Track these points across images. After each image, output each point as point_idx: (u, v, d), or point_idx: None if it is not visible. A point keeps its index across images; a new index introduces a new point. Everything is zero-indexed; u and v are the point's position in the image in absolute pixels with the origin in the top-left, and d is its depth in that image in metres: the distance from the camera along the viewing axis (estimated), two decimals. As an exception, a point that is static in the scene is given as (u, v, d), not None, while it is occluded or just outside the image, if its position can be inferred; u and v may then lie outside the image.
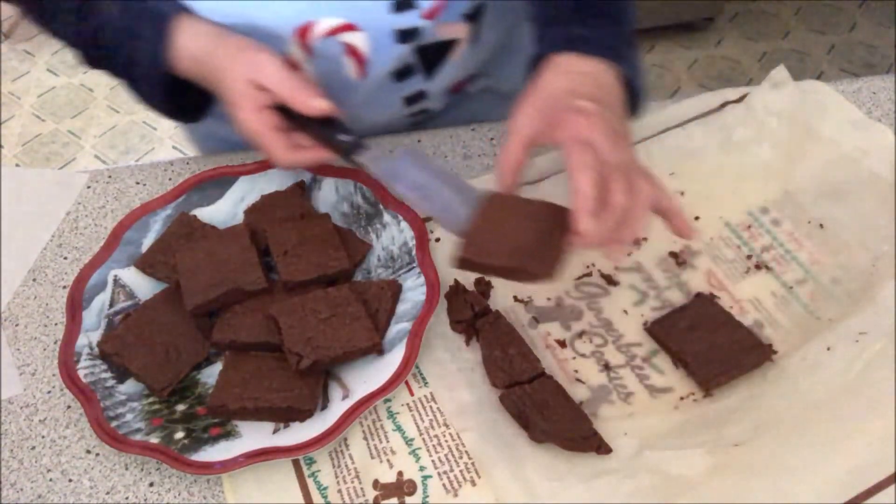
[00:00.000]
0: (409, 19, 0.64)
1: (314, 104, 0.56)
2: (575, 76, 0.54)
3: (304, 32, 0.63)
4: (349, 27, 0.63)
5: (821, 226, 0.65)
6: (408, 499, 0.51)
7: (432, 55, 0.70)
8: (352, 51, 0.65)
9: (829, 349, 0.55)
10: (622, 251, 0.50)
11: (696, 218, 0.67)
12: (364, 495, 0.52)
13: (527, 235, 0.50)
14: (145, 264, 0.63)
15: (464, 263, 0.51)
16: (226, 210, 0.68)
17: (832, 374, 0.53)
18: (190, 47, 0.58)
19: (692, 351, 0.56)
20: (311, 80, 0.59)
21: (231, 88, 0.57)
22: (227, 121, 0.60)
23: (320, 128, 0.58)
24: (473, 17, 0.69)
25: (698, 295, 0.61)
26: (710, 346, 0.56)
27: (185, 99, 0.63)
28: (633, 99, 0.57)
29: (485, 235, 0.51)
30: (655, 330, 0.59)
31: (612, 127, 0.51)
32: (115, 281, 0.63)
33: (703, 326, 0.57)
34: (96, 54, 0.63)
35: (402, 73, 0.70)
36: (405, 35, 0.65)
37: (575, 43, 0.55)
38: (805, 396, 0.53)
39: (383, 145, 0.74)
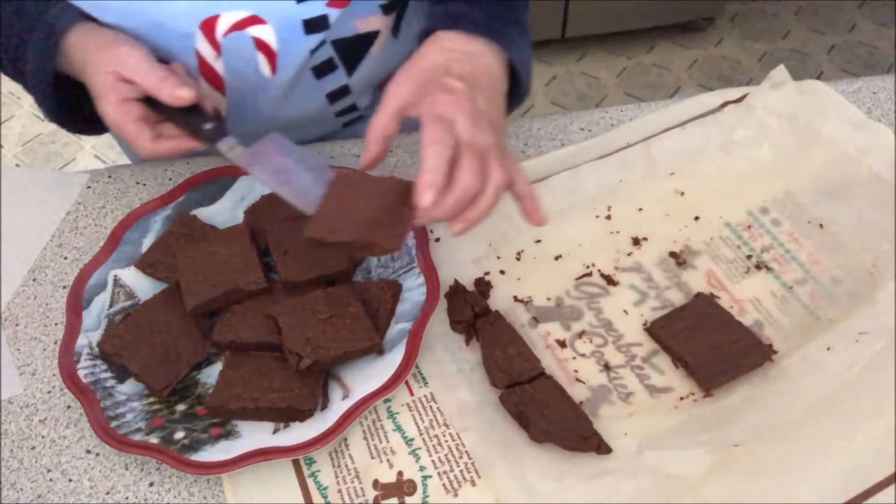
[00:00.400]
0: (314, 8, 0.63)
1: (177, 93, 0.56)
2: (454, 53, 0.54)
3: (209, 27, 0.62)
4: (255, 20, 0.62)
5: (821, 226, 0.65)
6: (408, 499, 0.51)
7: (351, 49, 0.69)
8: (261, 45, 0.64)
9: (829, 349, 0.55)
10: (465, 229, 0.51)
11: (696, 218, 0.67)
12: (364, 495, 0.52)
13: (371, 211, 0.52)
14: (145, 264, 0.63)
15: (312, 241, 0.52)
16: (226, 210, 0.68)
17: (832, 374, 0.53)
18: (70, 45, 0.58)
19: (692, 351, 0.56)
20: (179, 71, 0.59)
21: (96, 81, 0.57)
22: None
23: (186, 117, 0.58)
24: (391, 7, 0.68)
25: (698, 295, 0.61)
26: (710, 346, 0.56)
27: (83, 111, 0.63)
28: (516, 87, 0.58)
29: (332, 213, 0.52)
30: (655, 330, 0.59)
31: (478, 108, 0.51)
32: (115, 281, 0.63)
33: (703, 326, 0.57)
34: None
35: (322, 69, 0.69)
36: (312, 25, 0.64)
37: (461, 20, 0.56)
38: (805, 396, 0.53)
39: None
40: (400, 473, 0.53)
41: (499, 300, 0.62)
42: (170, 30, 0.62)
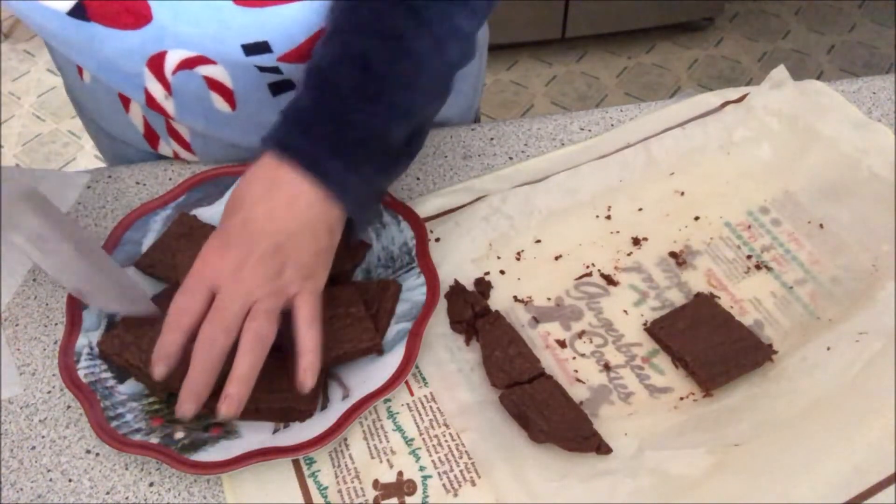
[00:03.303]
0: (265, 60, 0.59)
1: None
2: (254, 184, 0.49)
3: (157, 65, 0.59)
4: (203, 59, 0.59)
5: (821, 226, 0.65)
6: (408, 499, 0.51)
7: (296, 61, 0.64)
8: (214, 84, 0.61)
9: (829, 349, 0.55)
10: (232, 407, 0.47)
11: (696, 218, 0.67)
12: (364, 495, 0.52)
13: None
14: (145, 264, 0.63)
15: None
16: (226, 210, 0.68)
17: (832, 374, 0.53)
18: None
19: (692, 351, 0.56)
20: None
21: None
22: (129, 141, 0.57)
23: None
24: None
25: (698, 295, 0.61)
26: (711, 346, 0.56)
27: None
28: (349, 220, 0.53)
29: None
30: (655, 330, 0.59)
31: (248, 262, 0.47)
32: (115, 281, 0.63)
33: (703, 326, 0.57)
34: None
35: (277, 87, 0.64)
36: (266, 69, 0.60)
37: (275, 143, 0.50)
38: (805, 396, 0.53)
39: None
40: (400, 473, 0.53)
41: (499, 300, 0.62)
42: (118, 68, 0.60)
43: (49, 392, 0.59)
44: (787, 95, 0.71)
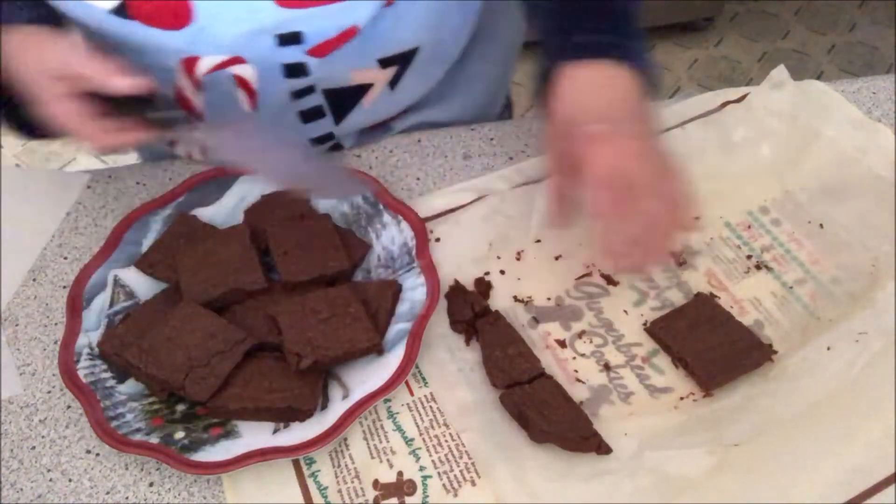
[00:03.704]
0: (294, 54, 0.61)
1: (122, 82, 0.53)
2: (582, 91, 0.54)
3: (189, 66, 0.61)
4: (237, 60, 0.61)
5: (821, 226, 0.65)
6: (408, 499, 0.51)
7: (342, 99, 0.68)
8: (241, 82, 0.63)
9: (829, 349, 0.55)
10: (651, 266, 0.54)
11: (696, 218, 0.67)
12: (364, 495, 0.52)
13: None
14: (145, 264, 0.63)
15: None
16: (226, 210, 0.68)
17: (832, 374, 0.53)
18: (4, 50, 0.55)
19: (692, 351, 0.56)
20: (118, 62, 0.55)
21: (30, 82, 0.54)
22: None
23: (137, 107, 0.55)
24: (392, 62, 0.66)
25: (698, 295, 0.61)
26: (711, 346, 0.56)
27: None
28: (649, 84, 0.57)
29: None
30: (655, 330, 0.59)
31: (628, 142, 0.51)
32: (115, 281, 0.63)
33: (703, 326, 0.57)
34: None
35: (309, 115, 0.68)
36: (291, 70, 0.63)
37: (577, 51, 0.55)
38: (805, 396, 0.53)
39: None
40: (400, 473, 0.53)
41: (499, 300, 0.62)
42: (151, 57, 0.61)
43: (49, 392, 0.59)
44: (787, 95, 0.71)
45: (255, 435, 0.54)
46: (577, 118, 0.53)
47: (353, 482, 0.52)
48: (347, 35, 0.61)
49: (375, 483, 0.52)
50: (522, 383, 0.55)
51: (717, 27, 2.37)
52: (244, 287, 0.59)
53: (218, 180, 0.69)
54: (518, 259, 0.65)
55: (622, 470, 0.51)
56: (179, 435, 0.54)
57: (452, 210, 0.68)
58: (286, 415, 0.54)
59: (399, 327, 0.58)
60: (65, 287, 0.65)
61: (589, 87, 0.54)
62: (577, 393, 0.56)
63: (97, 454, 0.56)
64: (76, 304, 0.60)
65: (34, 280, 0.66)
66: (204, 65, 0.61)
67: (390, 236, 0.64)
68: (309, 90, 0.66)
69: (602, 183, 0.51)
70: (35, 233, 0.70)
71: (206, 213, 0.67)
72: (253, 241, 0.62)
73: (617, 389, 0.57)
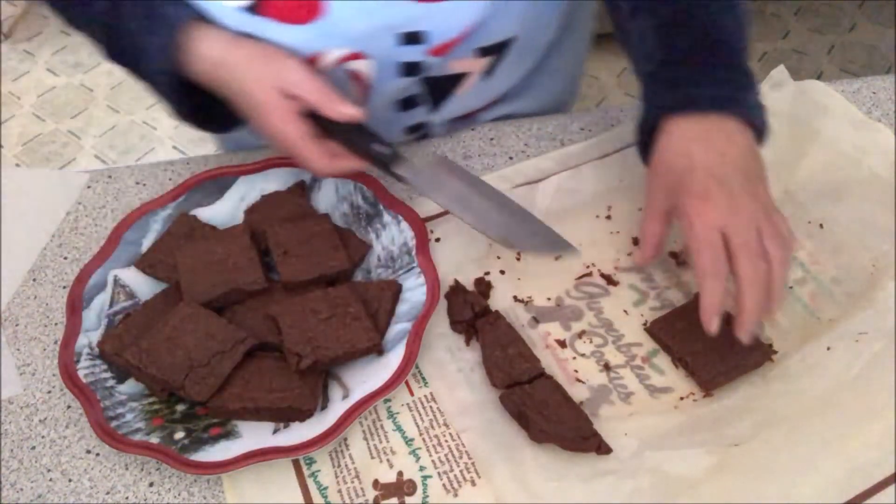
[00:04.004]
0: (414, 53, 0.63)
1: (345, 110, 0.56)
2: (690, 144, 0.54)
3: (312, 61, 0.62)
4: (357, 56, 0.62)
5: (821, 226, 0.65)
6: (408, 499, 0.51)
7: (439, 87, 0.69)
8: (356, 76, 0.64)
9: (828, 349, 0.55)
10: (768, 316, 0.54)
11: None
12: (364, 495, 0.52)
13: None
14: (145, 264, 0.63)
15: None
16: (226, 210, 0.68)
17: (832, 374, 0.53)
18: (206, 54, 0.57)
19: (692, 351, 0.56)
20: (336, 88, 0.58)
21: (256, 97, 0.56)
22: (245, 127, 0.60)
23: (350, 135, 0.58)
24: (490, 51, 0.67)
25: (698, 294, 0.61)
26: (710, 347, 0.56)
27: (210, 109, 0.62)
28: (760, 135, 0.57)
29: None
30: (655, 330, 0.59)
31: (734, 197, 0.52)
32: (115, 281, 0.63)
33: (702, 326, 0.57)
34: (115, 52, 0.61)
35: (406, 104, 0.69)
36: (410, 68, 0.64)
37: (688, 105, 0.55)
38: (805, 396, 0.53)
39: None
40: (400, 473, 0.53)
41: (499, 300, 0.62)
42: None
43: (49, 392, 0.59)
44: (787, 95, 0.71)
45: (255, 435, 0.54)
46: (684, 171, 0.53)
47: (353, 482, 0.52)
48: (468, 33, 0.62)
49: (375, 483, 0.52)
50: (522, 383, 0.55)
51: (717, 27, 2.37)
52: (244, 287, 0.59)
53: (218, 180, 0.69)
54: (518, 259, 0.65)
55: (622, 470, 0.51)
56: (179, 435, 0.54)
57: (452, 210, 0.68)
58: (286, 415, 0.54)
59: (399, 327, 0.58)
60: (65, 287, 0.65)
61: (700, 141, 0.54)
62: (577, 393, 0.56)
63: (97, 454, 0.56)
64: (76, 304, 0.60)
65: (34, 280, 0.66)
66: (327, 59, 0.62)
67: (390, 236, 0.64)
68: (412, 102, 0.68)
69: (706, 244, 0.52)
70: (35, 233, 0.70)
71: (206, 213, 0.67)
72: (253, 241, 0.62)
73: (617, 389, 0.57)
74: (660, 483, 0.50)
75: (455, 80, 0.69)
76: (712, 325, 0.52)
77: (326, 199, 0.68)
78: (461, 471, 0.52)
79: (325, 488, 0.52)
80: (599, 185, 0.69)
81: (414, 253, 0.62)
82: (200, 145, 2.04)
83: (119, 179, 0.74)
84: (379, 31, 0.60)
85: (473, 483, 0.52)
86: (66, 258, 0.68)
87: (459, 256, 0.64)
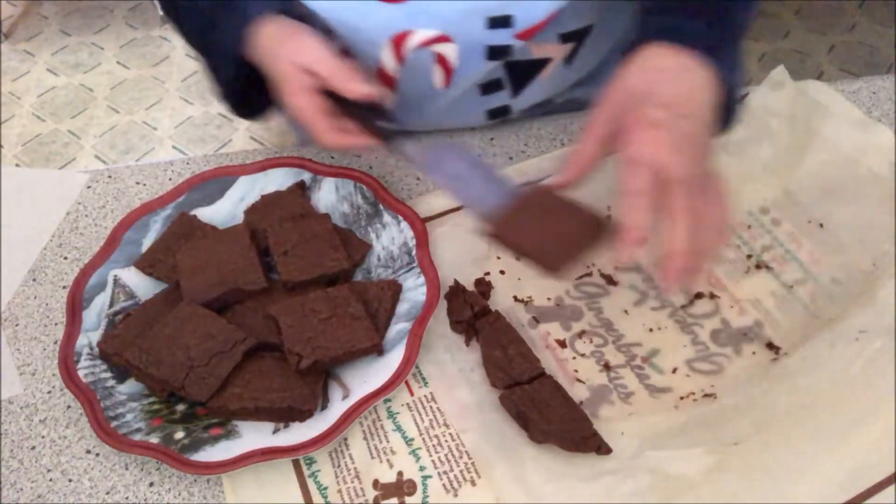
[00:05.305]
0: (501, 37, 0.64)
1: (358, 88, 0.57)
2: (659, 73, 0.51)
3: (399, 41, 0.63)
4: (443, 38, 0.64)
5: (821, 226, 0.65)
6: (408, 499, 0.51)
7: (521, 72, 0.70)
8: (441, 60, 0.65)
9: (829, 348, 0.55)
10: (697, 268, 0.48)
11: (696, 218, 0.67)
12: (364, 495, 0.52)
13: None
14: (145, 264, 0.63)
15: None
16: (226, 210, 0.68)
17: (832, 373, 0.53)
18: (258, 39, 0.60)
19: (532, 242, 0.53)
20: (357, 68, 0.60)
21: (279, 70, 0.59)
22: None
23: (363, 113, 0.59)
24: (572, 37, 0.68)
25: (536, 187, 0.57)
26: (553, 234, 0.53)
27: (256, 95, 0.65)
28: (729, 104, 0.54)
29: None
30: (497, 233, 0.55)
31: (684, 138, 0.48)
32: (115, 281, 0.63)
33: (544, 218, 0.54)
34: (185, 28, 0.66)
35: (488, 87, 0.70)
36: (495, 52, 0.65)
37: (670, 33, 0.53)
38: (805, 395, 0.53)
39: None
40: (400, 473, 0.53)
41: (499, 300, 0.62)
42: (362, 34, 0.64)
43: (49, 392, 0.59)
44: (787, 95, 0.71)
45: (255, 435, 0.54)
46: (642, 96, 0.50)
47: (353, 482, 0.52)
48: (553, 17, 0.63)
49: (375, 483, 0.52)
50: (522, 383, 0.55)
51: (717, 27, 2.37)
52: (244, 287, 0.59)
53: (218, 180, 0.69)
54: (518, 259, 0.64)
55: (622, 470, 0.51)
56: (179, 435, 0.54)
57: (452, 210, 0.68)
58: (286, 415, 0.54)
59: (399, 327, 0.58)
60: (65, 287, 0.65)
61: (669, 71, 0.51)
62: (577, 393, 0.56)
63: (97, 454, 0.56)
64: (76, 304, 0.60)
65: (34, 280, 0.66)
66: (414, 40, 0.63)
67: (390, 236, 0.64)
68: (496, 86, 0.68)
69: (642, 166, 0.48)
70: (35, 233, 0.70)
71: (206, 213, 0.67)
72: (253, 241, 0.62)
73: (617, 389, 0.57)
74: (660, 483, 0.50)
75: (538, 65, 0.70)
76: (624, 254, 0.47)
77: (326, 199, 0.68)
78: (461, 471, 0.52)
79: (325, 488, 0.52)
80: (599, 185, 0.69)
81: (414, 253, 0.62)
82: (200, 145, 2.04)
83: (119, 179, 0.74)
84: (468, 13, 0.62)
85: (473, 483, 0.52)
86: (66, 258, 0.68)
87: (459, 256, 0.64)
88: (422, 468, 0.53)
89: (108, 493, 0.54)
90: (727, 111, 0.54)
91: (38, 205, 0.72)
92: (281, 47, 0.59)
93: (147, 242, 0.65)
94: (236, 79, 0.63)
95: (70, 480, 0.54)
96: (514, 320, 0.60)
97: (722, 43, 0.54)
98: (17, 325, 0.63)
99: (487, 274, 0.63)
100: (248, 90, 0.65)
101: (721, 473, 0.49)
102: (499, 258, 0.64)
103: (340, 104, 0.59)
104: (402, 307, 0.59)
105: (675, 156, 0.48)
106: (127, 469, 0.55)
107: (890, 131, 0.69)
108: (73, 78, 2.28)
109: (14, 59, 2.35)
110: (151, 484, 0.54)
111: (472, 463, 0.53)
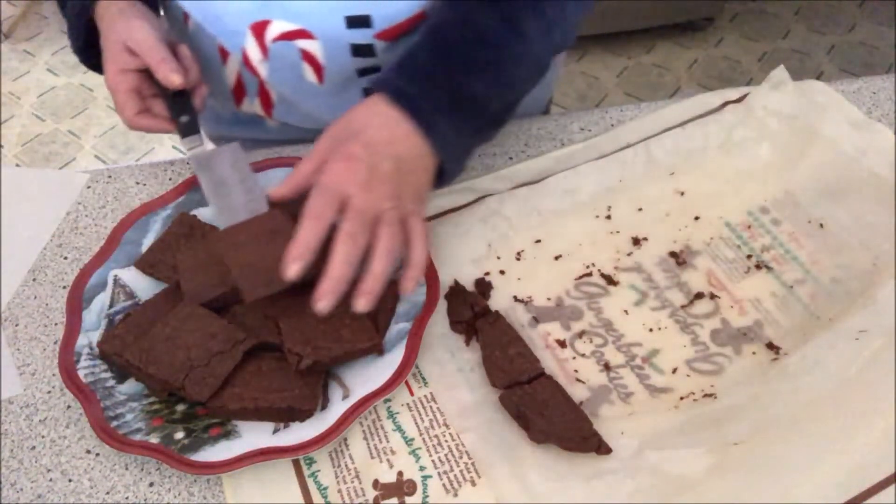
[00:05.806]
0: (362, 36, 0.64)
1: (170, 77, 0.60)
2: (372, 117, 0.54)
3: (259, 31, 0.64)
4: (304, 34, 0.65)
5: (821, 226, 0.65)
6: (408, 499, 0.51)
7: (392, 39, 0.69)
8: (308, 57, 0.66)
9: (829, 348, 0.55)
10: (366, 302, 0.51)
11: (696, 218, 0.67)
12: (364, 495, 0.52)
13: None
14: (145, 264, 0.63)
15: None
16: (226, 210, 0.68)
17: (832, 373, 0.53)
18: (99, 11, 0.63)
19: (239, 262, 0.55)
20: (183, 55, 0.63)
21: (105, 47, 0.62)
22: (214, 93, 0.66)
23: (172, 101, 0.62)
24: None
25: (272, 206, 0.59)
26: (262, 260, 0.54)
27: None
28: (442, 166, 0.56)
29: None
30: (221, 238, 0.57)
31: (376, 176, 0.51)
32: (115, 281, 0.63)
33: (260, 240, 0.56)
34: None
35: (365, 71, 0.69)
36: (359, 50, 0.65)
37: (393, 89, 0.55)
38: (805, 395, 0.53)
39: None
40: (400, 473, 0.53)
41: (499, 300, 0.62)
42: (224, 24, 0.66)
43: (49, 392, 0.59)
44: (787, 95, 0.71)
45: (255, 435, 0.54)
46: (353, 133, 0.53)
47: (353, 482, 0.52)
48: (415, 21, 0.64)
49: (375, 483, 0.52)
50: (522, 383, 0.55)
51: (717, 27, 2.38)
52: (244, 287, 0.59)
53: (218, 180, 0.69)
54: (518, 259, 0.65)
55: (622, 470, 0.51)
56: (179, 435, 0.54)
57: (452, 210, 0.68)
58: (286, 415, 0.54)
59: (399, 327, 0.58)
60: (65, 287, 0.65)
61: (380, 117, 0.54)
62: (577, 393, 0.56)
63: (97, 454, 0.56)
64: (76, 304, 0.60)
65: (34, 280, 0.66)
66: (273, 30, 0.65)
67: (390, 236, 0.64)
68: (374, 69, 0.68)
69: (327, 193, 0.51)
70: (35, 233, 0.70)
71: (206, 213, 0.67)
72: (253, 241, 0.62)
73: (617, 389, 0.57)
74: (660, 483, 0.50)
75: (406, 29, 0.69)
76: (290, 270, 0.50)
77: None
78: (461, 471, 0.52)
79: (325, 488, 0.52)
80: (599, 185, 0.69)
81: (414, 253, 0.62)
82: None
83: (119, 179, 0.74)
84: (327, 11, 0.64)
85: (473, 483, 0.52)
86: (66, 258, 0.68)
87: (459, 256, 0.64)
88: (422, 468, 0.53)
89: (108, 493, 0.54)
90: (441, 171, 0.57)
91: (38, 205, 0.72)
92: (112, 25, 0.61)
93: (147, 242, 0.65)
94: (87, 42, 0.66)
95: (70, 480, 0.54)
96: (514, 320, 0.60)
97: (435, 115, 0.55)
98: (17, 325, 0.63)
99: (487, 274, 0.63)
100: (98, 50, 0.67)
101: (721, 473, 0.49)
102: (499, 258, 0.65)
103: (160, 88, 0.62)
104: (402, 307, 0.59)
105: (359, 189, 0.51)
106: (127, 469, 0.55)
107: (890, 131, 0.69)
108: (73, 78, 2.28)
109: (14, 59, 2.35)
110: (151, 484, 0.54)
111: (472, 463, 0.53)
